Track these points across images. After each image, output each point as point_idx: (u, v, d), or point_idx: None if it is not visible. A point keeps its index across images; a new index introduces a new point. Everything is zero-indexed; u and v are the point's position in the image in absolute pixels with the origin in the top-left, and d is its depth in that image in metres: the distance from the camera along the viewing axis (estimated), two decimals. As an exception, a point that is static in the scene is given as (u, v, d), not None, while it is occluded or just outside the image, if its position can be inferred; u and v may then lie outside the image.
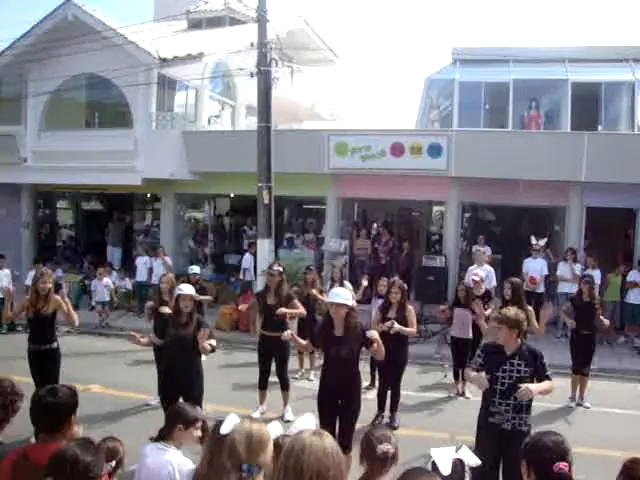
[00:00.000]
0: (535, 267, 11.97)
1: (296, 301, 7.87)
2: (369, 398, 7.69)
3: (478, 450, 3.86)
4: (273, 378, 7.71)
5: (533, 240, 12.15)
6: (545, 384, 4.62)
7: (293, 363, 9.24)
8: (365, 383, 7.81)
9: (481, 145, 12.31)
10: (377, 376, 7.97)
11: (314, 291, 9.48)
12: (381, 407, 7.54)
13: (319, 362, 5.99)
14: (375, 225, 16.11)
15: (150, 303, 8.18)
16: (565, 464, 2.59)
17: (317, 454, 2.13)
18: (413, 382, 8.75)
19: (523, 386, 4.42)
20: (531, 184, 12.14)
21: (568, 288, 11.60)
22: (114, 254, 16.16)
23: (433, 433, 6.91)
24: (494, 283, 10.75)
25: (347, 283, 10.20)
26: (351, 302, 5.46)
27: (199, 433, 3.68)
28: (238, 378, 8.95)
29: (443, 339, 10.60)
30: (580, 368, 8.33)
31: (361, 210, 16.11)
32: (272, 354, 7.65)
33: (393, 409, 7.49)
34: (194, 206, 17.62)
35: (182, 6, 17.55)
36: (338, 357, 5.39)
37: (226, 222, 17.84)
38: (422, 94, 16.33)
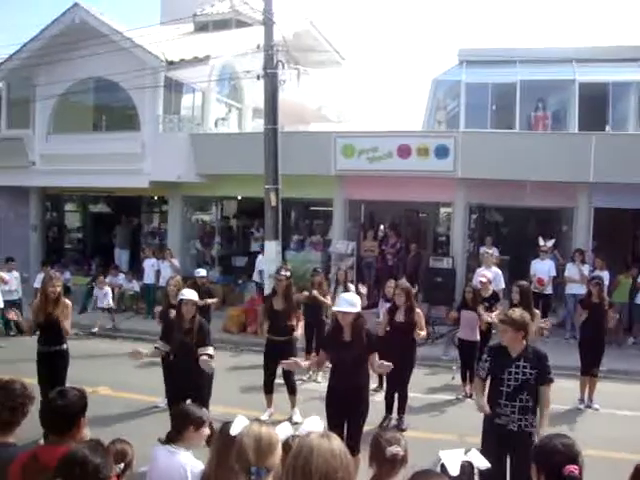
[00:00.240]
0: (543, 268, 11.93)
1: (300, 311, 7.97)
2: (377, 400, 7.67)
3: (484, 451, 3.84)
4: (280, 380, 7.70)
5: (541, 241, 12.11)
6: (546, 414, 4.69)
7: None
8: (373, 385, 7.81)
9: (488, 146, 12.28)
10: (385, 378, 7.94)
11: (315, 292, 9.48)
12: (389, 410, 7.51)
13: (326, 363, 5.96)
14: (382, 227, 16.10)
15: (159, 308, 8.20)
16: (576, 467, 2.57)
17: (325, 456, 2.13)
18: (421, 384, 8.73)
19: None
20: (538, 185, 12.09)
21: (576, 289, 11.56)
22: (122, 256, 16.22)
23: (441, 435, 6.90)
24: (502, 285, 10.71)
25: (351, 286, 10.21)
26: (358, 308, 5.42)
27: (208, 432, 3.69)
28: (246, 380, 8.95)
29: (451, 341, 10.57)
30: (589, 369, 8.28)
31: (368, 212, 16.10)
32: (277, 358, 7.63)
33: (401, 412, 7.47)
34: (201, 208, 17.66)
35: (189, 9, 17.61)
36: (346, 362, 5.39)
37: (233, 224, 17.87)
38: (429, 95, 16.31)
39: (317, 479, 2.08)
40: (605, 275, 10.82)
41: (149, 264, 14.00)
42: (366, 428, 5.56)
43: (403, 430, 7.04)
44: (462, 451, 2.73)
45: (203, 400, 5.82)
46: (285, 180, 11.65)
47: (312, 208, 16.67)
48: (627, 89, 14.25)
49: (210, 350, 6.03)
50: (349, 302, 5.40)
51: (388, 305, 7.98)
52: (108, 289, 13.19)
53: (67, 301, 6.83)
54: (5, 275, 11.82)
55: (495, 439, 4.67)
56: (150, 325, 11.80)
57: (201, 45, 15.09)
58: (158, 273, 13.64)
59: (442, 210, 16.34)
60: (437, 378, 9.65)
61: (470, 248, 14.43)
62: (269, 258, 11.69)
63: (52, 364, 6.65)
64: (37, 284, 11.29)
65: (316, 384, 8.96)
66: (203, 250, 16.34)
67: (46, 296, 6.63)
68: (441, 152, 12.45)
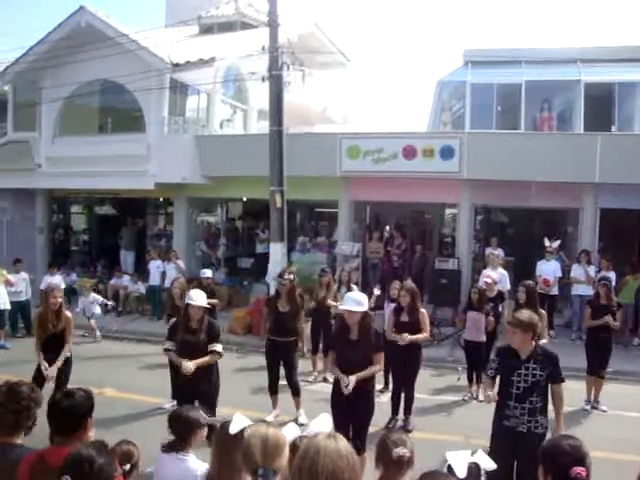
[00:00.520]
0: (548, 269, 11.90)
1: (302, 313, 8.01)
2: (383, 401, 7.67)
3: (492, 453, 3.84)
4: (284, 382, 7.70)
5: (546, 242, 12.08)
6: (560, 414, 4.75)
7: (306, 366, 9.26)
8: (379, 386, 7.80)
9: (493, 147, 12.26)
10: (391, 379, 7.93)
11: (331, 302, 9.53)
12: (395, 411, 7.50)
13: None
14: (388, 228, 16.09)
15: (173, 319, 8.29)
16: (583, 469, 2.56)
17: (332, 456, 2.13)
18: (427, 385, 8.71)
19: None
20: (544, 186, 12.06)
21: (582, 290, 11.53)
22: (127, 258, 16.26)
23: (447, 436, 6.89)
24: (508, 286, 10.71)
25: (354, 287, 10.19)
26: (365, 307, 5.42)
27: (205, 432, 3.73)
28: (252, 381, 8.95)
29: (456, 342, 10.55)
30: (596, 370, 8.26)
31: (373, 213, 16.10)
32: (280, 359, 7.65)
33: (407, 413, 7.46)
34: (206, 210, 17.69)
35: (193, 11, 17.66)
36: (353, 361, 5.39)
37: (239, 226, 17.89)
38: (434, 96, 16.30)
39: (324, 479, 2.09)
40: (611, 276, 10.78)
41: (154, 266, 14.02)
42: (372, 429, 5.56)
43: (409, 431, 7.03)
44: (469, 452, 2.73)
45: (210, 403, 5.80)
46: (290, 182, 11.66)
47: (317, 210, 16.68)
48: (633, 89, 14.21)
49: (219, 347, 6.06)
50: (356, 301, 5.39)
51: (393, 306, 7.97)
52: (95, 295, 12.83)
53: (68, 313, 6.95)
54: (11, 277, 11.85)
55: (504, 441, 4.65)
56: (155, 327, 11.87)
57: (206, 47, 15.12)
58: (163, 275, 13.65)
59: (447, 211, 16.33)
60: (443, 379, 9.64)
61: (476, 249, 14.41)
62: (274, 260, 11.70)
63: (58, 371, 6.73)
64: (43, 286, 11.33)
65: (325, 383, 8.89)
66: (208, 252, 16.36)
67: (47, 308, 6.75)
68: (446, 153, 12.44)
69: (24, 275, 12.28)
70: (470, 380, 8.68)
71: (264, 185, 11.78)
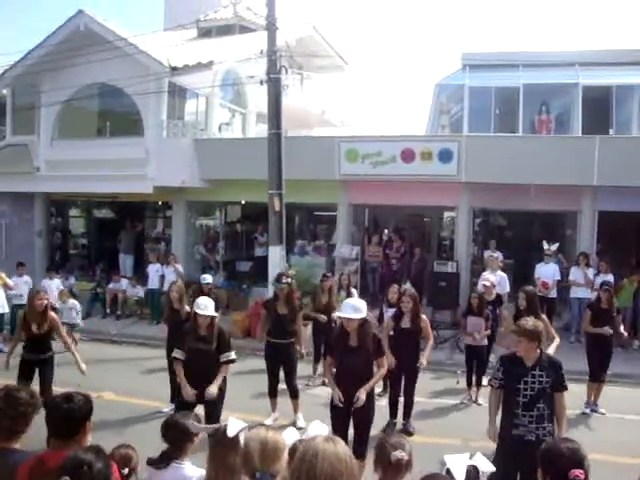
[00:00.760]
0: (547, 272, 11.90)
1: (300, 315, 8.01)
2: (382, 405, 7.65)
3: (498, 462, 3.79)
4: (283, 385, 7.71)
5: (545, 245, 12.09)
6: (563, 422, 4.70)
7: (305, 369, 9.24)
8: (378, 390, 7.79)
9: (492, 150, 12.28)
10: (389, 383, 7.91)
11: (337, 314, 9.50)
12: (393, 415, 7.47)
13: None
14: (386, 231, 16.10)
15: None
16: (581, 471, 2.57)
17: (330, 459, 2.13)
18: (425, 388, 8.69)
19: None
20: (542, 189, 12.08)
21: (581, 293, 11.55)
22: (126, 262, 16.23)
23: (447, 440, 6.87)
24: (507, 289, 10.69)
25: (353, 290, 10.19)
26: (363, 313, 5.39)
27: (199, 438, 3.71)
28: (251, 385, 8.92)
29: (455, 345, 10.55)
30: (597, 374, 8.24)
31: (372, 216, 16.11)
32: (279, 361, 7.66)
33: (406, 417, 7.44)
34: (205, 213, 17.68)
35: (192, 15, 17.66)
36: (351, 367, 5.38)
37: (237, 229, 17.88)
38: (432, 99, 16.34)
39: (322, 482, 2.09)
40: (610, 278, 10.79)
41: (153, 269, 14.00)
42: (371, 432, 5.54)
43: (411, 433, 7.03)
44: (467, 455, 2.73)
45: (216, 411, 5.85)
46: (289, 185, 11.66)
47: (316, 213, 16.67)
48: (630, 92, 14.26)
49: (232, 355, 6.07)
50: (354, 308, 5.37)
51: (392, 310, 7.92)
52: (74, 301, 11.88)
53: (53, 314, 7.12)
54: (9, 281, 11.80)
55: (511, 449, 4.61)
56: (154, 331, 11.84)
57: (205, 51, 15.14)
58: (162, 278, 13.62)
59: (446, 214, 16.34)
60: (442, 382, 9.62)
61: (474, 252, 14.42)
62: (273, 263, 11.70)
63: (39, 370, 6.91)
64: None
65: (323, 387, 8.87)
66: (207, 255, 16.36)
67: (33, 309, 6.85)
68: (445, 156, 12.46)
69: (26, 278, 12.24)
70: (469, 383, 8.66)
71: (263, 188, 11.79)
